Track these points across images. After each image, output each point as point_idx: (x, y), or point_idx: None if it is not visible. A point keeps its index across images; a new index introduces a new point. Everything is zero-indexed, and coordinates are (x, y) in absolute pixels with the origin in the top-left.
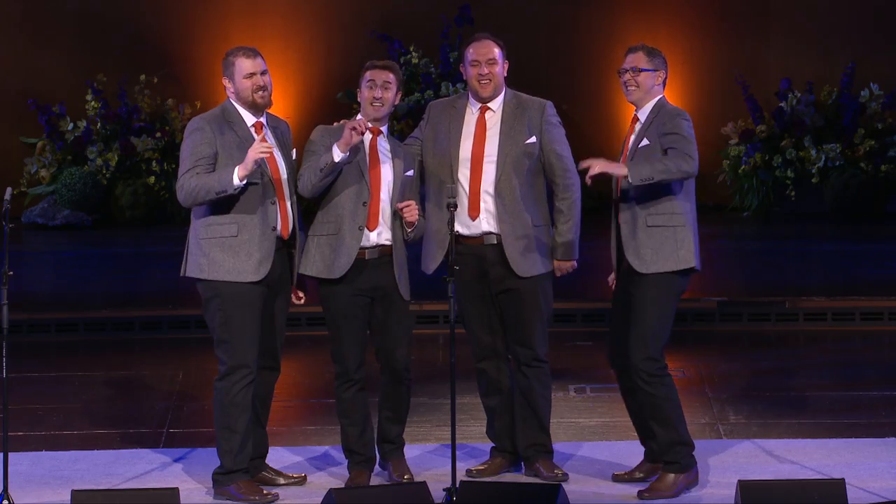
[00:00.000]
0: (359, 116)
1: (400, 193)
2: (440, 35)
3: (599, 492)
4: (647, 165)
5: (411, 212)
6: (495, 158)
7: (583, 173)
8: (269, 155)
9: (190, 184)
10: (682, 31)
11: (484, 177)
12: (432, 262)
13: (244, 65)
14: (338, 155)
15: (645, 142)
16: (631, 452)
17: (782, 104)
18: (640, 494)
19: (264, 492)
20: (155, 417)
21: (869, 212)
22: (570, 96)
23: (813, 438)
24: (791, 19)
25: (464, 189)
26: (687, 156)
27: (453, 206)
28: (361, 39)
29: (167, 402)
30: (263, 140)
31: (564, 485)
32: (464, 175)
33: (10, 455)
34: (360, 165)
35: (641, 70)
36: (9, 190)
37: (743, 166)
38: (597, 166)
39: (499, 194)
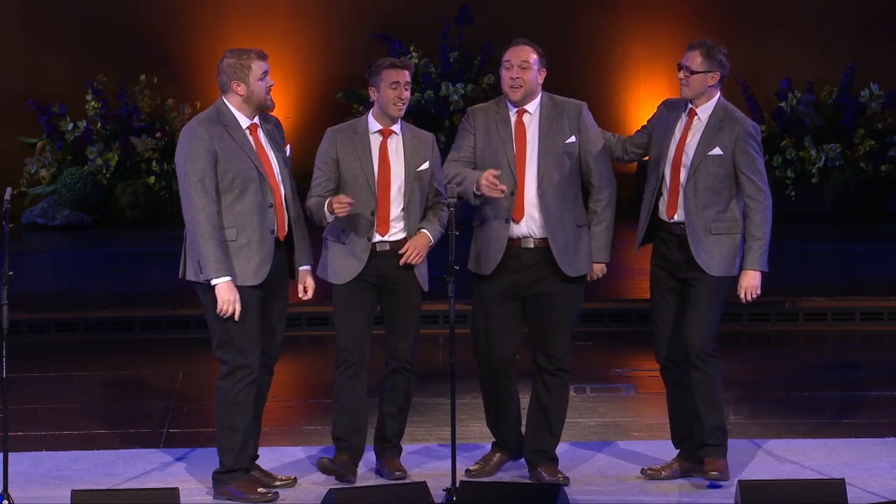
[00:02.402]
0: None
1: (411, 190)
2: (440, 35)
3: (599, 492)
4: (758, 253)
5: (416, 258)
6: (536, 159)
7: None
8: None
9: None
10: (682, 31)
11: (527, 178)
12: (490, 264)
13: (260, 66)
14: (331, 218)
15: (717, 151)
16: (631, 452)
17: (782, 104)
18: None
19: (264, 491)
20: (155, 417)
21: (869, 212)
22: (569, 96)
23: (813, 438)
24: (791, 19)
25: (509, 192)
26: (763, 194)
27: (453, 206)
28: (361, 39)
29: (167, 402)
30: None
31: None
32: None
33: (10, 455)
34: (365, 175)
35: (693, 72)
36: (9, 190)
37: None
38: (750, 293)
39: (541, 196)
